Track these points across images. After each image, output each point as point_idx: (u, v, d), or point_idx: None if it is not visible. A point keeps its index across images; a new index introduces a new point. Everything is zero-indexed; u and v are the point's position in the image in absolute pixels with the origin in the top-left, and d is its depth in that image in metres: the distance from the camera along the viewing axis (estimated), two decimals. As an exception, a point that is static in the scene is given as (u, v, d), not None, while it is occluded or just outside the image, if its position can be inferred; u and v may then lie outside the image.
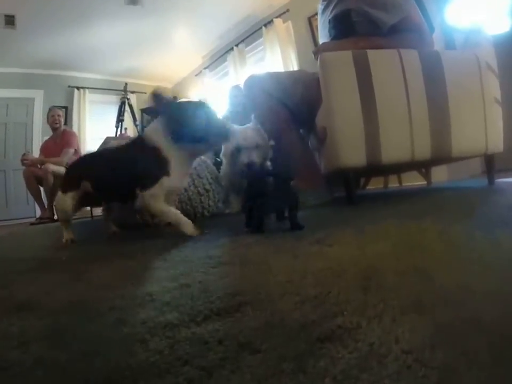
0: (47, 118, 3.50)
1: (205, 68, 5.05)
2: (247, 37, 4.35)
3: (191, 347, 0.28)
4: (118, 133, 4.32)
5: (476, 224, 0.69)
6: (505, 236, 0.53)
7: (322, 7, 1.67)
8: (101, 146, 1.92)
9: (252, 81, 1.63)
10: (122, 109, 4.44)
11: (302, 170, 1.43)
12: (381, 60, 1.28)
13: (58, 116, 3.44)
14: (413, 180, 2.62)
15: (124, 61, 4.90)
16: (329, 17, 1.57)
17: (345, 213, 1.15)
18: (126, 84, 4.72)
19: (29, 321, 0.38)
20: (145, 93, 5.57)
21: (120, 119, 4.38)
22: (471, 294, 0.34)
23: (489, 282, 0.36)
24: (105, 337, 0.32)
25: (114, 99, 5.32)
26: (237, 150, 1.38)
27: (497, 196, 1.24)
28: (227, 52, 4.59)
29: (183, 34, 4.44)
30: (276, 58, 3.93)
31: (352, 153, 1.24)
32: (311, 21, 3.56)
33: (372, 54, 1.27)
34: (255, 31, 4.23)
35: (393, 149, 1.25)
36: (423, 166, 2.32)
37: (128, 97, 4.55)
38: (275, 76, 1.65)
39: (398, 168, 2.06)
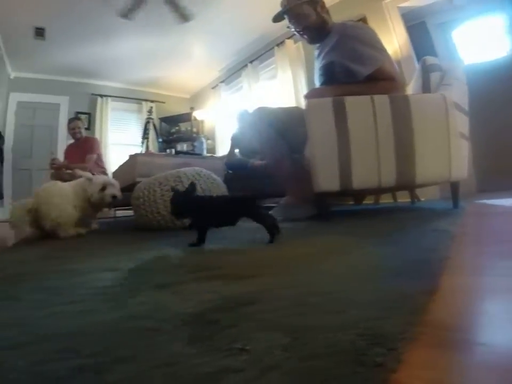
0: (68, 128, 3.64)
1: (221, 82, 5.34)
2: (261, 55, 4.62)
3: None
4: (143, 149, 4.83)
5: (385, 245, 0.80)
6: (394, 253, 0.70)
7: (316, 54, 1.93)
8: (125, 163, 2.14)
9: (258, 113, 1.91)
10: (148, 128, 4.98)
11: (292, 188, 1.75)
12: (355, 104, 1.49)
13: (78, 128, 3.56)
14: (406, 197, 2.76)
15: (144, 71, 5.26)
16: (320, 66, 1.84)
17: (309, 226, 1.39)
18: (152, 107, 5.36)
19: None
20: (164, 102, 5.91)
21: (145, 137, 4.95)
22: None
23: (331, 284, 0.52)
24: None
25: (135, 107, 5.76)
26: None
27: (444, 220, 1.28)
28: (242, 68, 4.86)
29: (200, 50, 4.77)
30: (287, 76, 4.18)
31: (327, 180, 1.45)
32: (320, 44, 3.78)
33: (349, 100, 1.48)
34: (268, 50, 4.49)
35: (363, 177, 1.44)
36: (391, 191, 2.53)
37: (152, 117, 5.10)
38: (275, 112, 1.92)
39: (373, 192, 2.25)
